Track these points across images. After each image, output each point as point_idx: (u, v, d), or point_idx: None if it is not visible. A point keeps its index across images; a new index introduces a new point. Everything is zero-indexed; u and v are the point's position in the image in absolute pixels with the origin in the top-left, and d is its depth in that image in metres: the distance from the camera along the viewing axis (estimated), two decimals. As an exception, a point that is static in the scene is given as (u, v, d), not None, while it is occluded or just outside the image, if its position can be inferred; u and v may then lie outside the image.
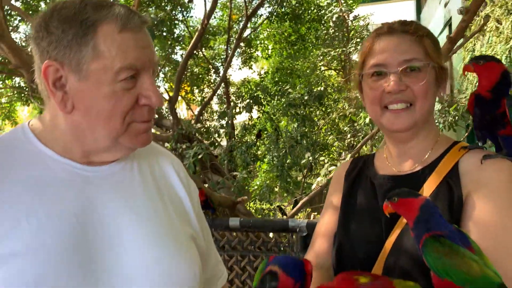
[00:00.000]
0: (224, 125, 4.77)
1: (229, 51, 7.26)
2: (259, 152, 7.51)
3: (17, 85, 7.10)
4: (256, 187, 8.77)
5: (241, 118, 9.07)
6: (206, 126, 5.01)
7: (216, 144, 4.62)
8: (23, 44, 6.25)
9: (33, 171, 0.81)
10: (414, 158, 1.01)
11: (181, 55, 9.11)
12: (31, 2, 6.72)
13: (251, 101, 6.34)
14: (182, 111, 12.70)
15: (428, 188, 0.92)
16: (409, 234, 0.82)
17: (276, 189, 8.12)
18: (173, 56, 8.54)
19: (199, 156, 3.50)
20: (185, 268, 0.87)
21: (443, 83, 1.01)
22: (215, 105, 10.07)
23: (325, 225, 1.07)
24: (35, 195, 0.79)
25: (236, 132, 7.41)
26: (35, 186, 0.80)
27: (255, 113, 7.60)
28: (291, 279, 0.78)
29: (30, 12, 6.22)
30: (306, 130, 5.63)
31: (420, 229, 0.76)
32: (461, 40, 2.80)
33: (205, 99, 8.42)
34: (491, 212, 0.85)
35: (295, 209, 4.76)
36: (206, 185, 4.03)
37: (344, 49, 9.23)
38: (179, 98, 8.24)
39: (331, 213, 1.07)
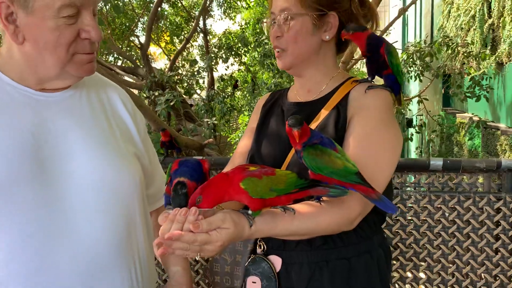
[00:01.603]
0: (196, 74, 4.88)
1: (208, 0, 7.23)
2: (238, 105, 7.66)
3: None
4: (237, 139, 9.01)
5: (222, 71, 9.14)
6: (180, 75, 5.11)
7: (192, 92, 4.75)
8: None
9: None
10: (312, 89, 1.20)
11: None
12: None
13: (228, 51, 6.40)
14: (159, 62, 12.61)
15: (323, 113, 1.13)
16: None
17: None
18: (151, 5, 8.44)
19: (171, 103, 3.65)
20: (126, 177, 1.07)
21: (325, 27, 1.18)
22: (197, 56, 10.07)
23: (243, 146, 1.28)
24: None
25: (216, 85, 7.51)
26: None
27: (235, 65, 7.67)
28: (194, 183, 0.99)
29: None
30: (280, 80, 5.78)
31: (300, 149, 0.96)
32: None
33: (185, 50, 8.43)
34: (366, 128, 1.06)
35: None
36: (181, 132, 4.21)
37: None
38: (160, 50, 8.24)
39: (249, 136, 1.27)
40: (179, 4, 8.61)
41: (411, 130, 9.05)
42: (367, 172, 0.95)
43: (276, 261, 1.12)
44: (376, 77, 1.18)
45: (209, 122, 4.10)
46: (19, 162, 0.94)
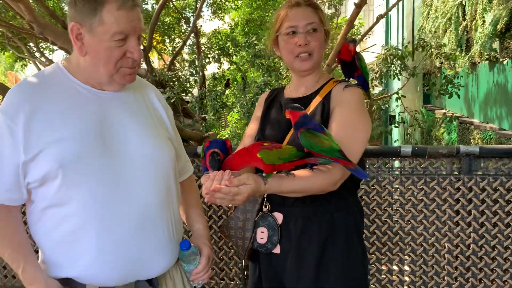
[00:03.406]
0: (194, 73, 5.19)
1: (199, 1, 7.54)
2: (228, 102, 8.00)
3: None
4: (227, 135, 9.35)
5: (212, 69, 9.46)
6: (177, 74, 5.42)
7: (187, 91, 5.07)
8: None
9: (67, 92, 1.31)
10: (308, 87, 1.55)
11: (152, 5, 9.28)
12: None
13: (220, 51, 6.73)
14: (154, 60, 12.88)
15: (313, 105, 1.48)
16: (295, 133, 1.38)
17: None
18: (144, 6, 8.71)
19: (172, 100, 3.96)
20: (166, 153, 1.40)
21: (327, 41, 1.55)
22: (185, 55, 10.37)
23: (251, 130, 1.63)
24: (70, 106, 1.29)
25: (207, 83, 7.83)
26: (70, 100, 1.30)
27: (225, 64, 8.01)
28: (222, 154, 1.35)
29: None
30: (270, 79, 6.13)
31: (297, 127, 1.32)
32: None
33: (176, 49, 8.72)
34: (345, 116, 1.42)
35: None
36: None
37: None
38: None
39: (255, 123, 1.62)
40: (171, 5, 8.90)
41: (394, 125, 9.52)
42: (346, 148, 1.31)
43: (278, 216, 1.47)
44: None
45: (206, 118, 4.43)
46: (90, 142, 1.27)
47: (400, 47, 5.36)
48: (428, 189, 2.44)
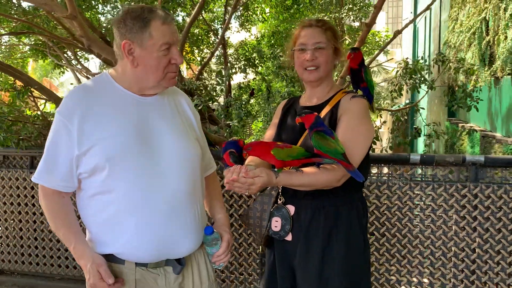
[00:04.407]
0: (220, 83, 5.46)
1: (228, 14, 7.85)
2: (253, 111, 8.25)
3: (32, 43, 7.77)
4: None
5: (238, 79, 9.76)
6: (204, 84, 5.69)
7: (214, 99, 5.33)
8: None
9: (113, 97, 1.56)
10: (319, 97, 1.76)
11: (182, 17, 9.66)
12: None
13: (246, 62, 6.99)
14: (183, 70, 13.31)
15: (323, 113, 1.69)
16: (307, 137, 1.60)
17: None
18: (176, 18, 9.10)
19: (199, 108, 4.22)
20: (194, 151, 1.63)
21: (338, 55, 1.76)
22: (213, 65, 10.71)
23: (269, 134, 1.84)
24: (114, 109, 1.53)
25: (233, 92, 8.11)
26: (114, 104, 1.54)
27: (251, 75, 8.27)
28: (237, 152, 1.58)
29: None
30: (293, 89, 6.34)
31: (312, 128, 1.53)
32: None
33: (204, 59, 9.05)
34: (350, 123, 1.62)
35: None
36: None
37: (337, 14, 9.79)
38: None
39: (273, 128, 1.84)
40: (200, 17, 9.26)
41: (421, 139, 9.58)
42: (348, 151, 1.51)
43: (291, 208, 1.68)
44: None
45: (230, 125, 4.68)
46: (131, 139, 1.50)
47: (427, 60, 5.51)
48: (435, 195, 2.60)
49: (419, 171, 2.70)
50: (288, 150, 1.51)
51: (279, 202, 1.69)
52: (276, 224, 1.66)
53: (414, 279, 2.70)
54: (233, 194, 2.89)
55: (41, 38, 6.90)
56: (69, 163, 1.50)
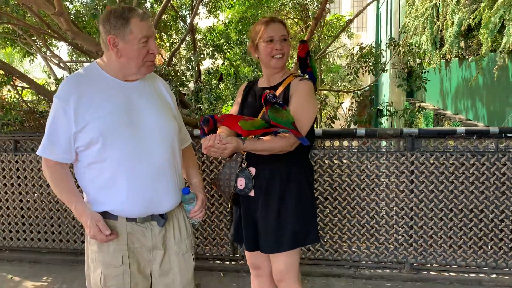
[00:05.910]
0: (190, 69, 5.73)
1: (195, 0, 8.08)
2: (222, 96, 8.57)
3: (0, 31, 7.79)
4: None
5: (207, 64, 10.01)
6: (175, 69, 5.95)
7: (184, 84, 5.62)
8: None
9: (102, 83, 1.86)
10: (276, 79, 2.13)
11: (151, 3, 9.79)
12: None
13: (214, 48, 7.27)
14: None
15: (278, 92, 2.06)
16: (264, 113, 1.97)
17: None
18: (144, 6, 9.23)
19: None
20: (171, 125, 1.95)
21: (290, 47, 2.15)
22: (183, 50, 10.90)
23: (233, 110, 2.19)
24: (104, 93, 1.83)
25: (203, 77, 8.39)
26: (104, 89, 1.84)
27: (219, 60, 8.55)
28: (211, 119, 1.95)
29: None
30: (259, 74, 6.70)
31: (266, 102, 1.90)
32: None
33: (173, 45, 9.26)
34: (299, 100, 1.99)
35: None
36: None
37: (302, 0, 10.17)
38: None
39: (236, 105, 2.20)
40: (168, 4, 9.41)
41: (383, 118, 10.15)
42: (297, 122, 1.90)
43: (252, 170, 2.05)
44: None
45: (201, 108, 5.00)
46: (120, 117, 1.82)
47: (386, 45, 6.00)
48: (378, 162, 3.03)
49: (384, 143, 3.11)
50: (252, 122, 1.88)
51: (243, 165, 2.07)
52: (241, 183, 2.04)
53: (361, 236, 3.15)
54: (205, 161, 3.26)
55: (9, 27, 6.96)
56: (68, 139, 1.80)
